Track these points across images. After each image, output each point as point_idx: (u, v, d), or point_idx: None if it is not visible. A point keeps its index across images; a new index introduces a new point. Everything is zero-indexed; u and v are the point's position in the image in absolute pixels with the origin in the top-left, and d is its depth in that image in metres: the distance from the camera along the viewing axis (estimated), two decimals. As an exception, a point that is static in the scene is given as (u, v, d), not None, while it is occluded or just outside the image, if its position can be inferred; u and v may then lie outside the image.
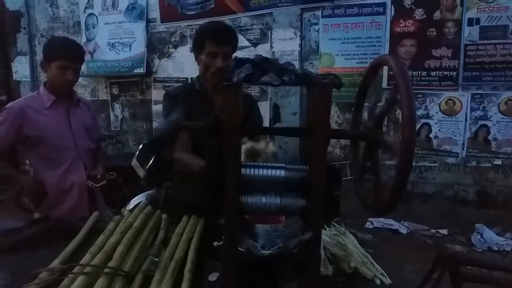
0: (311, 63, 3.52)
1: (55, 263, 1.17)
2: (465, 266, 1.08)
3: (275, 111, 3.55)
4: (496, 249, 3.12)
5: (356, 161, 1.23)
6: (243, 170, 1.03)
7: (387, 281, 1.20)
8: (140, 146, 1.34)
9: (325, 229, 1.38)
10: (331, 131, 1.02)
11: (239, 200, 1.02)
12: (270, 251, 0.96)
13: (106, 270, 1.06)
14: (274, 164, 1.06)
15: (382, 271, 1.24)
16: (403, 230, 3.45)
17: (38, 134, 1.90)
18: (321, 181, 0.98)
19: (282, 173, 1.04)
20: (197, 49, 1.81)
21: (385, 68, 0.97)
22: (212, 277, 1.13)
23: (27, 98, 2.04)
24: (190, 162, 1.64)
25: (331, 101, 0.98)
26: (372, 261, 1.27)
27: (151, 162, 1.51)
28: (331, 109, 1.00)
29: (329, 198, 1.01)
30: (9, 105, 1.93)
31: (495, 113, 3.14)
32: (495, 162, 3.24)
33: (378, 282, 1.20)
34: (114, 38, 4.03)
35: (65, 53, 1.90)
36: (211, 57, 1.75)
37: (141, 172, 1.48)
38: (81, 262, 1.11)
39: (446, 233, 3.38)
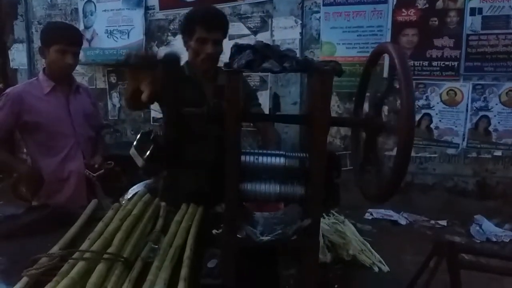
0: (312, 51, 3.49)
1: (55, 249, 1.17)
2: (462, 254, 1.08)
3: (275, 100, 3.51)
4: (495, 240, 3.14)
5: (356, 151, 1.22)
6: (242, 158, 1.03)
7: (385, 268, 1.21)
8: (138, 135, 1.33)
9: (324, 218, 1.38)
10: (331, 119, 1.01)
11: (239, 188, 1.02)
12: (269, 238, 0.96)
13: (105, 256, 1.06)
14: (274, 152, 1.05)
15: (380, 258, 1.24)
16: (403, 221, 3.47)
17: (37, 120, 1.88)
18: (321, 169, 0.98)
19: (282, 160, 1.04)
20: (186, 35, 1.76)
21: (387, 58, 0.95)
22: (211, 264, 1.13)
23: (26, 84, 2.02)
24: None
25: (331, 88, 0.97)
26: (371, 248, 1.28)
27: (149, 151, 1.50)
28: (331, 98, 0.99)
29: (329, 185, 1.01)
30: (7, 91, 1.92)
31: (496, 104, 3.14)
32: (495, 153, 3.24)
33: (376, 269, 1.20)
34: (112, 26, 4.00)
35: (64, 37, 1.88)
36: (200, 43, 1.70)
37: (139, 161, 1.48)
38: (80, 248, 1.11)
39: (445, 224, 3.40)
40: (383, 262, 1.23)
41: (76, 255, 1.07)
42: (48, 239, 1.25)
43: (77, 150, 1.98)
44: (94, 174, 1.97)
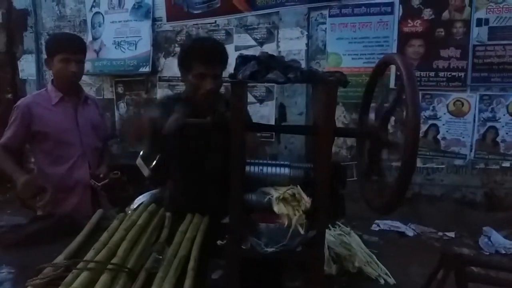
0: (318, 62, 3.50)
1: (60, 258, 1.17)
2: (470, 266, 1.06)
3: (281, 111, 3.54)
4: (504, 252, 3.08)
5: (362, 161, 1.22)
6: (247, 168, 1.03)
7: (391, 281, 1.19)
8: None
9: (330, 229, 1.37)
10: (336, 129, 1.01)
11: (244, 198, 1.02)
12: (273, 249, 0.95)
13: (109, 266, 1.06)
14: (279, 162, 1.05)
15: (386, 271, 1.22)
16: (410, 233, 3.42)
17: (45, 130, 1.91)
18: (326, 179, 0.97)
19: (286, 171, 1.03)
20: (183, 69, 1.68)
21: (393, 68, 0.96)
22: (215, 275, 1.12)
23: (35, 95, 2.05)
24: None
25: (336, 98, 0.97)
26: (377, 261, 1.26)
27: (155, 161, 1.51)
28: (337, 109, 0.99)
29: (334, 196, 1.00)
30: (18, 103, 1.96)
31: (504, 115, 3.11)
32: (503, 164, 3.20)
33: (382, 282, 1.18)
34: (120, 37, 4.04)
35: (66, 46, 1.90)
36: (199, 79, 1.62)
37: (145, 171, 1.48)
38: (85, 258, 1.11)
39: (453, 236, 3.35)
40: (389, 274, 1.21)
41: (80, 265, 1.07)
42: (53, 248, 1.25)
43: (84, 160, 1.99)
44: (99, 184, 1.97)
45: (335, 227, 1.40)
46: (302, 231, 0.95)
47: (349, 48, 3.41)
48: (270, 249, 0.96)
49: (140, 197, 2.51)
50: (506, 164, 3.19)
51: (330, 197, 0.99)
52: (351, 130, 1.37)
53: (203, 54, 1.61)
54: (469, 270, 1.04)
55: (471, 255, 2.55)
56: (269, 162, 1.06)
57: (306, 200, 0.98)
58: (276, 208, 0.98)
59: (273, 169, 1.04)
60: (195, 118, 1.65)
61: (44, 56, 2.06)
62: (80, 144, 1.98)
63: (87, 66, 4.19)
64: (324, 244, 1.01)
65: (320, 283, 1.01)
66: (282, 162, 1.05)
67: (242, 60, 1.00)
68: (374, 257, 1.28)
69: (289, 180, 1.03)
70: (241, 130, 0.98)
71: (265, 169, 1.04)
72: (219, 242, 1.33)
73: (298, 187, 1.01)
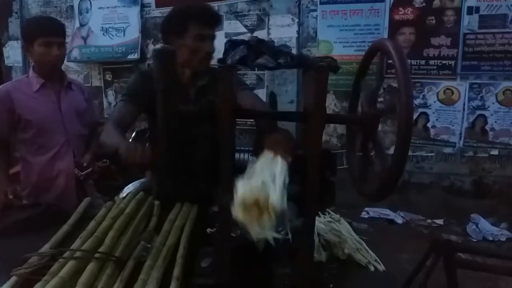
0: (308, 50, 3.48)
1: (46, 248, 1.15)
2: (459, 253, 1.07)
3: (272, 99, 3.51)
4: (491, 239, 3.14)
5: (352, 149, 1.21)
6: (236, 155, 1.02)
7: (381, 267, 1.19)
8: (134, 133, 1.31)
9: (320, 216, 1.36)
10: (327, 116, 1.00)
11: (233, 186, 1.00)
12: (264, 236, 0.94)
13: (96, 255, 1.04)
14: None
15: (376, 257, 1.23)
16: (399, 220, 3.47)
17: (26, 117, 1.85)
18: (316, 166, 0.96)
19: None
20: (175, 33, 1.60)
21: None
22: (205, 263, 1.11)
23: (15, 82, 1.98)
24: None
25: (327, 84, 0.96)
26: (366, 247, 1.26)
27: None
28: (327, 97, 0.98)
29: (324, 183, 1.00)
30: None
31: (493, 103, 3.13)
32: (492, 152, 3.24)
33: (372, 268, 1.19)
34: (108, 23, 3.97)
35: (46, 29, 1.83)
36: (199, 41, 1.57)
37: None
38: (71, 247, 1.09)
39: (442, 223, 3.40)
40: (379, 261, 1.21)
41: (66, 254, 1.05)
42: (39, 237, 1.22)
43: (68, 148, 1.94)
44: (82, 173, 1.93)
45: (325, 214, 1.40)
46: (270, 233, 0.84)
47: (340, 35, 3.39)
48: (259, 236, 0.95)
49: (130, 185, 2.49)
50: (495, 152, 3.23)
51: (321, 184, 0.98)
52: (342, 117, 1.36)
53: (203, 15, 1.57)
54: (457, 257, 1.05)
55: (459, 241, 2.58)
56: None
57: (272, 207, 0.82)
58: (235, 213, 0.85)
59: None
60: (180, 96, 1.63)
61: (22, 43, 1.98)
62: (64, 132, 1.93)
63: (75, 53, 4.12)
64: (314, 231, 1.00)
65: (310, 270, 1.01)
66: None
67: (231, 45, 0.97)
68: (364, 244, 1.28)
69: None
70: (229, 116, 0.96)
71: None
72: (208, 230, 1.32)
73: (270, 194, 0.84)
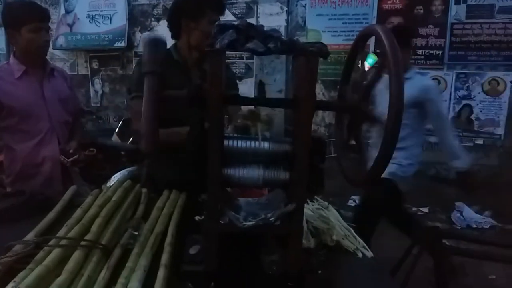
0: (297, 39, 3.45)
1: (30, 236, 1.13)
2: (445, 239, 1.08)
3: (260, 88, 3.49)
4: (475, 226, 3.20)
5: (341, 136, 1.21)
6: (226, 142, 1.00)
7: (369, 254, 1.20)
8: (121, 122, 1.29)
9: (308, 204, 1.36)
10: (317, 102, 0.99)
11: (222, 172, 0.99)
12: (252, 223, 0.94)
13: (82, 243, 1.03)
14: (257, 136, 1.02)
15: (364, 244, 1.24)
16: (385, 208, 3.50)
17: (9, 104, 1.81)
18: (305, 152, 0.96)
19: (265, 145, 1.01)
20: (190, 17, 1.67)
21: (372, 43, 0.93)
22: (193, 250, 1.10)
23: None
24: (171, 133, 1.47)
25: (317, 70, 0.95)
26: (354, 234, 1.27)
27: (132, 138, 1.45)
28: (316, 86, 0.97)
29: (313, 170, 0.99)
30: None
31: (479, 93, 3.17)
32: (476, 142, 3.28)
33: (360, 255, 1.20)
34: (94, 10, 3.89)
35: (34, 14, 1.78)
36: (211, 25, 1.65)
37: (122, 148, 1.43)
38: (57, 235, 1.08)
39: (427, 211, 3.45)
40: (367, 248, 1.22)
41: (52, 242, 1.03)
42: (24, 226, 1.20)
43: (52, 135, 1.91)
44: (68, 160, 1.90)
45: (313, 202, 1.40)
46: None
47: (328, 24, 3.38)
48: (248, 223, 0.94)
49: (117, 174, 2.46)
50: (479, 141, 3.27)
51: (309, 171, 0.97)
52: (332, 103, 1.35)
53: (218, 2, 1.68)
54: (443, 243, 1.06)
55: (444, 228, 2.63)
56: (248, 136, 1.03)
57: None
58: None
59: (252, 143, 1.01)
60: (183, 76, 1.65)
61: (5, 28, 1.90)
62: (48, 119, 1.89)
63: (60, 40, 4.03)
64: (303, 218, 1.00)
65: (298, 257, 1.01)
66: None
67: (220, 29, 0.95)
68: (352, 230, 1.28)
69: (268, 153, 1.01)
70: (218, 102, 0.94)
71: (243, 143, 1.01)
72: (197, 217, 1.31)
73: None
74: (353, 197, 3.51)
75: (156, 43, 1.03)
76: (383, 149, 0.88)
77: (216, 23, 0.97)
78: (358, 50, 1.10)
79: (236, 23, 0.96)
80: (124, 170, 2.49)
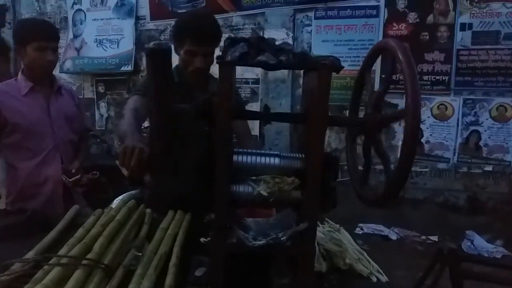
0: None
1: (30, 254, 1.08)
2: (465, 262, 1.03)
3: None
4: (487, 256, 3.09)
5: (353, 154, 1.17)
6: (234, 157, 0.97)
7: (384, 278, 1.14)
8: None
9: (319, 226, 1.32)
10: (330, 117, 0.96)
11: (230, 189, 0.95)
12: (262, 242, 0.89)
13: (84, 262, 0.98)
14: (267, 152, 0.99)
15: (378, 268, 1.18)
16: (393, 236, 3.41)
17: (14, 121, 1.79)
18: (317, 170, 0.92)
19: (276, 161, 0.98)
20: (176, 43, 1.66)
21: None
22: (199, 272, 1.05)
23: (3, 85, 1.93)
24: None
25: (330, 84, 0.92)
26: (368, 258, 1.22)
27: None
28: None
29: (325, 188, 0.95)
30: None
31: (487, 119, 3.14)
32: (486, 168, 3.23)
33: (374, 279, 1.14)
34: (102, 35, 3.94)
35: (41, 33, 1.78)
36: (189, 56, 1.61)
37: (125, 171, 1.40)
38: (58, 254, 1.03)
39: (437, 239, 3.36)
40: (381, 272, 1.16)
41: (52, 261, 0.99)
42: (24, 245, 1.16)
43: (56, 154, 1.88)
44: (70, 180, 1.86)
45: (324, 224, 1.35)
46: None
47: (334, 50, 3.39)
48: (258, 242, 0.90)
49: (119, 197, 2.43)
50: (489, 168, 3.22)
51: (322, 189, 0.93)
52: (345, 119, 1.32)
53: (194, 31, 1.57)
54: (464, 267, 1.01)
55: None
56: (258, 151, 1.00)
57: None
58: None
59: (262, 159, 0.97)
60: (185, 97, 1.63)
61: (13, 44, 1.91)
62: (53, 137, 1.87)
63: (68, 64, 4.07)
64: (315, 237, 0.95)
65: (310, 280, 0.96)
66: (271, 152, 0.99)
67: (231, 42, 0.94)
68: (365, 254, 1.23)
69: (279, 170, 0.97)
70: (228, 116, 0.92)
71: (253, 158, 0.98)
72: (202, 239, 1.26)
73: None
74: (360, 224, 3.43)
75: (160, 54, 1.00)
76: (399, 167, 0.85)
77: (227, 36, 0.96)
78: (370, 64, 1.08)
79: (247, 36, 0.95)
80: (127, 194, 2.46)
